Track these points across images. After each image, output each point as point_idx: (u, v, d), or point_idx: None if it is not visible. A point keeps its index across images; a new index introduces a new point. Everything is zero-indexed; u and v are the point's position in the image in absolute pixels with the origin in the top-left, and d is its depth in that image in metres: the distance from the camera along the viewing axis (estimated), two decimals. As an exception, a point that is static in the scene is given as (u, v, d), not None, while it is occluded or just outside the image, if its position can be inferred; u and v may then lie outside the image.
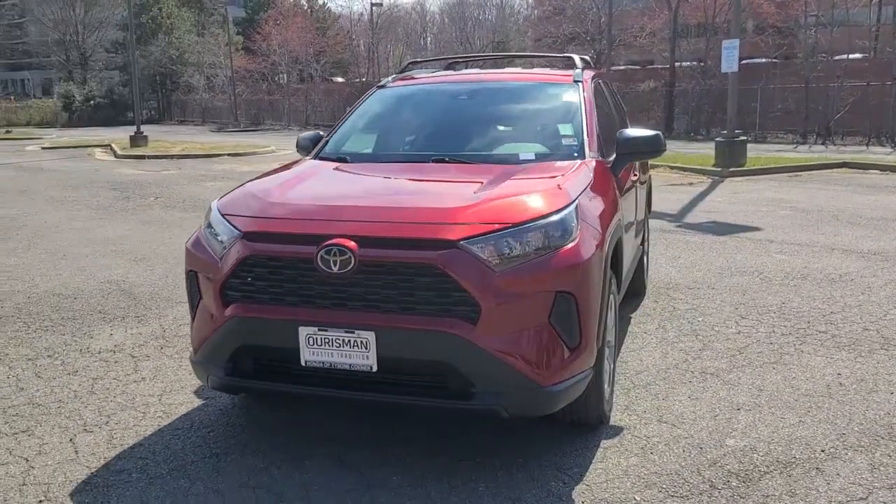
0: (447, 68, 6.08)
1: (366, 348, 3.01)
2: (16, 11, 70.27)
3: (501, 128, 4.47)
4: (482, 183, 3.49)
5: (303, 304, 3.09)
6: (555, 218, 3.14)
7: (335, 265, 2.98)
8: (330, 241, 3.00)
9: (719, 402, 3.96)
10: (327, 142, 4.60)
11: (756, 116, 27.17)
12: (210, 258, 3.31)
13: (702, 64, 31.44)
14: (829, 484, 3.11)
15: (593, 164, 3.95)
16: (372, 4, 49.01)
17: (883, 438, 3.51)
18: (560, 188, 3.39)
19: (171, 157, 22.54)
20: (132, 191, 13.86)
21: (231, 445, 3.47)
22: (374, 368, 3.03)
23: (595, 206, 3.49)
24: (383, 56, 63.10)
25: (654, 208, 10.85)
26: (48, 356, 4.73)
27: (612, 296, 3.66)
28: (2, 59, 70.19)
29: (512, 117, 4.55)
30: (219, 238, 3.31)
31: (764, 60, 32.04)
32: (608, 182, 3.93)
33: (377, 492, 3.05)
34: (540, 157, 4.03)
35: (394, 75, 5.30)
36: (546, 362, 3.04)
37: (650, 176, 6.40)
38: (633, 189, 4.86)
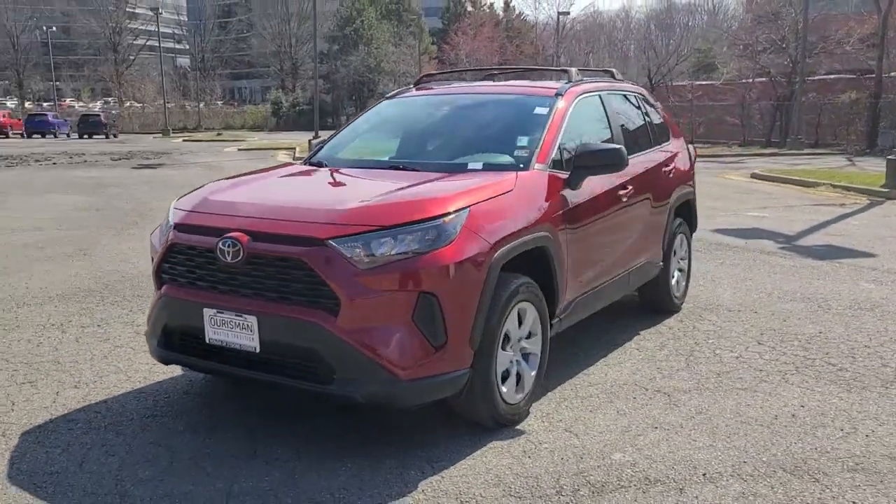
0: (485, 78, 6.34)
1: (251, 331, 3.43)
2: (242, 26, 78.11)
3: (469, 138, 4.70)
4: (399, 188, 3.79)
5: (208, 288, 3.58)
6: (431, 223, 3.38)
7: (229, 255, 3.43)
8: (227, 234, 3.46)
9: (644, 419, 3.95)
10: (321, 147, 5.08)
11: None
12: (158, 245, 3.89)
13: (915, 73, 28.54)
14: (676, 505, 3.09)
15: (534, 175, 4.10)
16: (559, 13, 49.18)
17: (782, 471, 3.38)
18: (457, 195, 3.61)
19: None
20: (282, 190, 15.20)
21: (171, 410, 4.03)
22: (258, 350, 3.44)
23: (500, 214, 3.66)
24: (582, 64, 62.60)
25: (773, 229, 10.36)
26: (97, 325, 5.59)
27: (523, 304, 3.81)
28: (227, 69, 78.19)
29: (483, 128, 4.77)
30: (166, 227, 3.88)
31: None
32: (544, 194, 4.05)
33: (255, 461, 3.45)
34: (487, 167, 4.23)
35: (406, 86, 5.67)
36: (406, 358, 3.29)
37: (690, 191, 6.23)
38: (622, 204, 4.84)
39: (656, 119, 6.04)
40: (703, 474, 3.36)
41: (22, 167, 22.70)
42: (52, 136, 47.77)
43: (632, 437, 3.73)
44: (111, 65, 66.56)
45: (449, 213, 3.45)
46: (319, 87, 63.57)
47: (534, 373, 4.00)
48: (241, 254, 3.40)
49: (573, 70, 5.13)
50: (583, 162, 4.31)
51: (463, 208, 3.51)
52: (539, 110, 4.62)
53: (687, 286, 6.35)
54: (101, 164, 23.48)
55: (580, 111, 4.85)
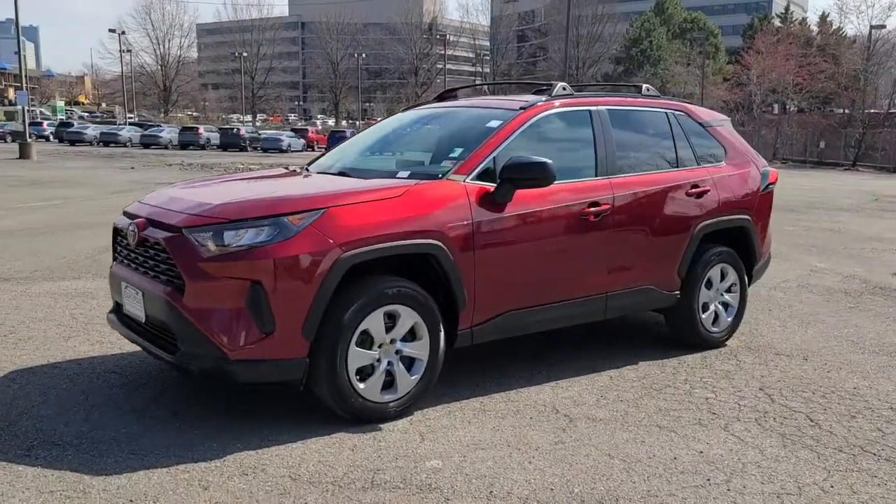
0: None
1: (140, 303, 4.06)
2: (534, 49, 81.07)
3: (427, 148, 4.93)
4: (283, 190, 4.29)
5: (126, 265, 4.28)
6: (273, 220, 3.75)
7: (131, 238, 4.10)
8: (133, 221, 4.13)
9: (510, 438, 3.90)
10: (322, 154, 5.60)
11: None
12: None
13: None
14: (418, 511, 3.12)
15: (441, 185, 4.25)
16: (871, 27, 44.26)
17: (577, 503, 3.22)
18: (319, 197, 3.95)
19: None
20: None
21: (132, 371, 4.79)
22: (143, 320, 4.06)
23: (366, 219, 3.89)
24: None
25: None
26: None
27: (395, 307, 3.98)
28: (516, 91, 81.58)
29: (444, 139, 4.96)
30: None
31: None
32: (446, 203, 4.16)
33: (130, 416, 4.05)
34: (413, 176, 4.45)
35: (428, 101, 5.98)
36: (236, 339, 3.68)
37: (743, 219, 5.64)
38: (589, 222, 4.71)
39: (701, 139, 5.67)
40: (490, 492, 3.31)
41: (294, 176, 26.08)
42: (349, 150, 53.71)
43: (471, 451, 3.73)
44: (412, 87, 73.32)
45: (297, 213, 3.79)
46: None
47: (415, 377, 4.12)
48: (136, 237, 4.06)
49: (559, 84, 5.10)
50: (507, 174, 4.34)
51: (318, 209, 3.82)
52: (492, 123, 4.71)
53: (736, 322, 5.79)
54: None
55: (548, 126, 4.86)
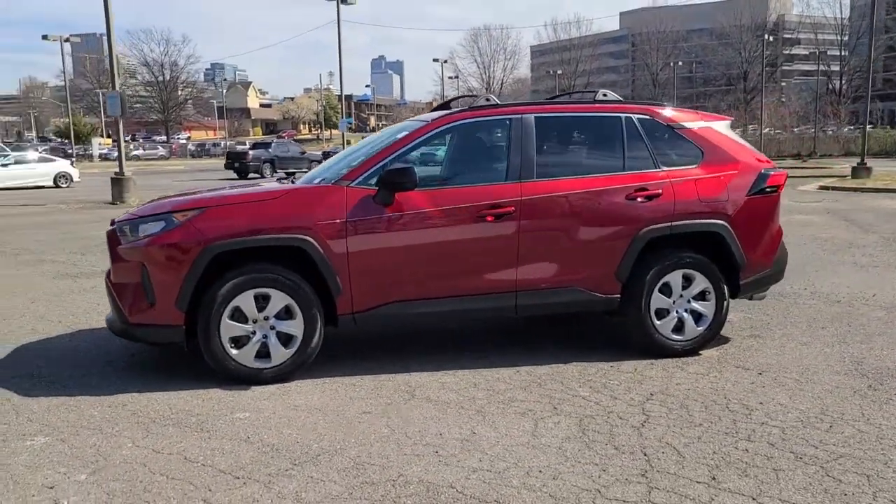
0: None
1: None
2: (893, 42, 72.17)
3: (355, 158, 5.75)
4: (202, 195, 5.45)
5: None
6: (163, 217, 4.98)
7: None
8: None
9: (331, 406, 4.63)
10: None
11: None
12: None
13: None
14: (209, 448, 4.08)
15: (324, 189, 5.17)
16: None
17: (377, 486, 3.92)
18: (203, 200, 5.12)
19: (870, 190, 22.04)
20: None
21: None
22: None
23: (238, 216, 4.95)
24: None
25: None
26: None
27: (265, 290, 4.95)
28: (874, 90, 73.15)
29: (371, 149, 5.74)
30: None
31: None
32: (322, 204, 5.03)
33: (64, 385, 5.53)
34: (322, 182, 5.39)
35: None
36: (132, 307, 4.98)
37: (716, 224, 5.50)
38: (485, 223, 5.18)
39: (667, 142, 5.68)
40: (247, 438, 4.15)
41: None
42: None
43: (287, 411, 4.55)
44: (739, 93, 69.94)
45: (181, 212, 4.97)
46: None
47: (290, 350, 5.03)
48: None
49: (484, 95, 5.63)
50: (382, 179, 5.07)
51: (198, 208, 4.97)
52: (399, 135, 5.46)
53: (710, 332, 5.65)
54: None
55: (456, 135, 5.60)
